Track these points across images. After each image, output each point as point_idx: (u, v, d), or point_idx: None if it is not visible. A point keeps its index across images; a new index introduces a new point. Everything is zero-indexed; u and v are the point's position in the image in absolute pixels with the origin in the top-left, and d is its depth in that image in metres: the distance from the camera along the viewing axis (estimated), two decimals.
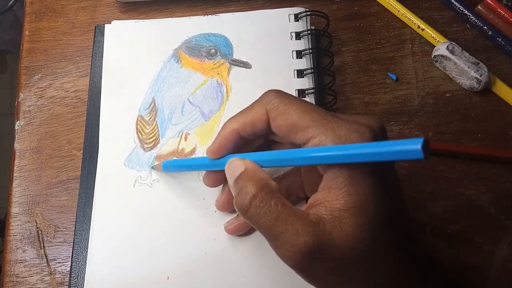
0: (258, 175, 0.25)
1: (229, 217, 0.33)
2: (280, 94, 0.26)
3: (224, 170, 0.27)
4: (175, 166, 0.34)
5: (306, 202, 0.25)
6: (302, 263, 0.23)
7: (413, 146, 0.19)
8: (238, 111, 0.28)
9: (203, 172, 0.32)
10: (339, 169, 0.23)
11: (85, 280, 0.33)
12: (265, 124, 0.26)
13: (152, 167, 0.35)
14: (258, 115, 0.26)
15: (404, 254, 0.24)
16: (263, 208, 0.23)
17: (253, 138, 0.28)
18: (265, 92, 0.27)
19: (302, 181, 0.30)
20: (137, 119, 0.37)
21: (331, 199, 0.23)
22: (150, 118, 0.37)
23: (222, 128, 0.28)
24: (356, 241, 0.22)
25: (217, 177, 0.30)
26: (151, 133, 0.37)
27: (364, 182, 0.23)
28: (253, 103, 0.27)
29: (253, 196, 0.24)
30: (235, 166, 0.26)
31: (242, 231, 0.32)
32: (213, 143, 0.28)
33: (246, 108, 0.27)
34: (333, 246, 0.22)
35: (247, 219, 0.24)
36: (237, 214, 0.33)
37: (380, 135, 0.24)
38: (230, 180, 0.26)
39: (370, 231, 0.22)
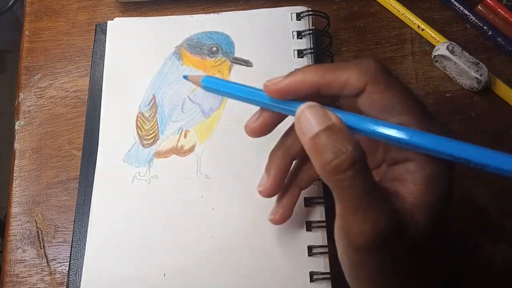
0: (353, 137, 0.22)
1: (227, 217, 0.33)
2: (385, 68, 0.23)
3: (281, 116, 0.25)
4: (221, 87, 0.27)
5: None
6: (376, 244, 0.21)
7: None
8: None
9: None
10: (422, 165, 0.22)
11: (82, 275, 0.33)
12: (356, 91, 0.23)
13: (185, 77, 0.29)
14: (353, 80, 0.23)
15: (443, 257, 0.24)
16: (361, 177, 0.21)
17: (328, 98, 0.24)
18: (368, 59, 0.23)
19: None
20: (137, 115, 0.37)
21: (403, 192, 0.22)
22: (150, 115, 0.37)
23: (300, 71, 0.24)
24: (424, 237, 0.22)
25: (267, 123, 0.26)
26: (151, 130, 0.37)
27: (440, 183, 0.22)
28: (348, 63, 0.24)
29: (355, 160, 0.21)
30: (319, 115, 0.22)
31: (288, 218, 0.30)
32: (283, 81, 0.24)
33: (337, 65, 0.24)
34: (406, 236, 0.21)
35: (333, 182, 0.21)
36: (276, 203, 0.30)
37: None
38: (309, 130, 0.22)
39: (436, 232, 0.22)
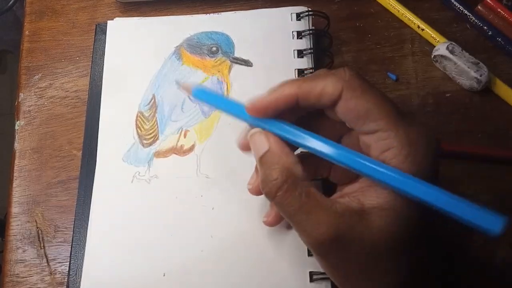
0: (283, 159, 0.24)
1: (227, 217, 0.33)
2: (360, 75, 0.24)
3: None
4: (208, 97, 0.29)
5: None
6: (321, 251, 0.23)
7: (494, 226, 0.19)
8: None
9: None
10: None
11: (82, 275, 0.33)
12: (333, 100, 0.24)
13: (178, 83, 0.32)
14: (330, 89, 0.24)
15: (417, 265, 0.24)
16: (288, 198, 0.23)
17: (308, 109, 0.26)
18: (342, 68, 0.25)
19: (330, 166, 0.28)
20: (137, 115, 0.38)
21: (369, 195, 0.23)
22: (150, 115, 0.38)
23: (278, 87, 0.25)
24: (381, 241, 0.22)
25: None
26: (151, 130, 0.37)
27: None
28: (324, 73, 0.25)
29: (279, 187, 0.24)
30: (259, 141, 0.25)
31: (282, 220, 0.31)
32: (262, 99, 0.25)
33: (314, 76, 0.25)
34: (354, 238, 0.22)
35: (272, 202, 0.25)
36: (270, 205, 0.31)
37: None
38: (255, 154, 0.25)
39: (395, 235, 0.22)
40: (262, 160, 0.25)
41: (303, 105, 0.25)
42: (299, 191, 0.23)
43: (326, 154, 0.24)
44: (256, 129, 0.26)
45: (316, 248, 0.23)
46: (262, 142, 0.25)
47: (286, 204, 0.24)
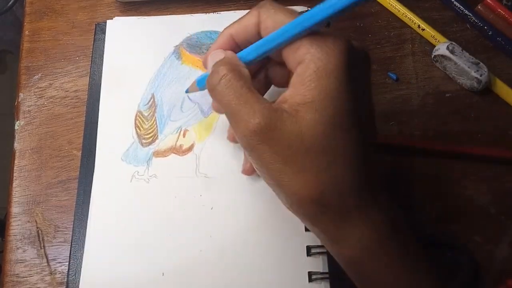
0: (233, 61, 0.26)
1: (226, 217, 0.33)
2: (273, 1, 0.27)
3: None
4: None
5: None
6: (252, 141, 0.24)
7: None
8: None
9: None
10: (307, 64, 0.24)
11: (81, 275, 0.33)
12: (256, 27, 0.27)
13: (187, 91, 0.34)
14: (250, 18, 0.27)
15: (364, 163, 0.25)
16: (229, 87, 0.25)
17: (246, 44, 0.28)
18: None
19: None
20: (136, 114, 0.37)
21: (294, 94, 0.24)
22: (149, 114, 0.37)
23: (219, 35, 0.29)
24: (308, 135, 0.23)
25: None
26: (150, 129, 0.37)
27: (328, 79, 0.23)
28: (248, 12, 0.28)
29: (223, 75, 0.25)
30: (216, 54, 0.28)
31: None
32: (209, 50, 0.29)
33: (241, 16, 0.28)
34: (284, 131, 0.23)
35: (213, 97, 0.26)
36: (244, 155, 0.33)
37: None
38: (210, 68, 0.27)
39: (324, 128, 0.23)
40: (214, 64, 0.27)
41: (240, 42, 0.28)
42: (241, 83, 0.25)
43: (258, 50, 0.27)
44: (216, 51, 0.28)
45: (249, 137, 0.24)
46: (219, 54, 0.28)
47: (226, 92, 0.25)
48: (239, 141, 0.26)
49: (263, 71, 0.31)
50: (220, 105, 0.26)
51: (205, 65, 0.30)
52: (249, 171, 0.33)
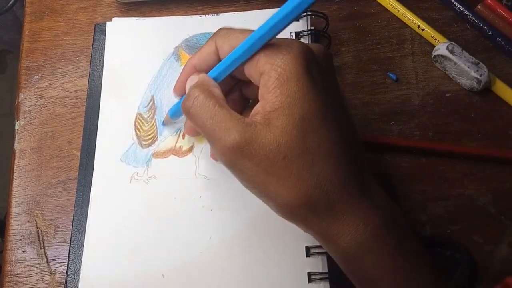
0: (205, 83, 0.27)
1: (225, 218, 0.33)
2: (227, 27, 0.29)
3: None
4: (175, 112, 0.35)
5: None
6: (231, 158, 0.25)
7: None
8: None
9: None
10: (268, 73, 0.25)
11: (80, 275, 0.33)
12: (215, 55, 0.29)
13: (163, 124, 0.37)
14: (208, 48, 0.29)
15: (347, 159, 0.25)
16: (202, 108, 0.26)
17: (208, 70, 0.30)
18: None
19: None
20: (136, 116, 0.38)
21: (264, 104, 0.25)
22: (149, 116, 0.38)
23: (184, 66, 0.31)
24: (282, 141, 0.24)
25: None
26: (149, 131, 0.37)
27: (291, 83, 0.24)
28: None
29: (195, 97, 0.26)
30: (192, 79, 0.29)
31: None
32: (176, 82, 0.32)
33: (201, 47, 0.30)
34: (260, 143, 0.24)
35: (190, 120, 0.27)
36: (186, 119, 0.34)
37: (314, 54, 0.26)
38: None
39: (296, 131, 0.24)
40: (189, 88, 0.28)
41: (204, 70, 0.30)
42: (213, 102, 0.26)
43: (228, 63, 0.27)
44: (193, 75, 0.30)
45: (228, 154, 0.25)
46: (194, 78, 0.29)
47: (200, 113, 0.26)
48: (220, 160, 0.26)
49: (237, 90, 0.32)
50: (197, 127, 0.27)
51: (176, 93, 0.33)
52: (189, 131, 0.34)
